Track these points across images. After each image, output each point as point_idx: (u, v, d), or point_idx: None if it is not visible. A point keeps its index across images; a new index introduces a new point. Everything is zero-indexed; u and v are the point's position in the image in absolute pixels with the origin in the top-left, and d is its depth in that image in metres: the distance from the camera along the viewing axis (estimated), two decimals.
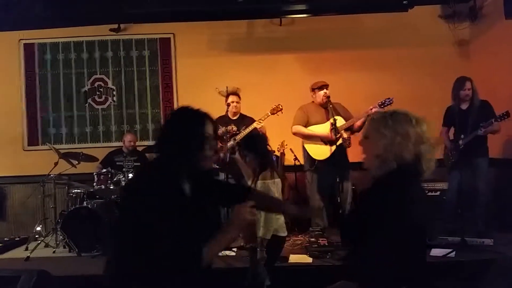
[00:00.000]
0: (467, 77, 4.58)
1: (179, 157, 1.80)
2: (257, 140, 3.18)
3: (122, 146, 5.68)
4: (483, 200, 4.52)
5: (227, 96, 5.20)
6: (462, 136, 4.49)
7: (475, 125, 4.41)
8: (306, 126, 4.69)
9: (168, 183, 1.79)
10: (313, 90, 4.80)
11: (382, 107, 4.45)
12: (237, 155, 3.20)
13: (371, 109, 4.45)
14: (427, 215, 1.97)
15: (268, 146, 3.20)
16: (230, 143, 4.88)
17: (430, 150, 1.89)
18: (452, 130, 4.81)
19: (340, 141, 4.44)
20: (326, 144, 4.55)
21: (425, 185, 5.48)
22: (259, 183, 3.01)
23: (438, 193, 5.37)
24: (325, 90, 4.69)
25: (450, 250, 3.93)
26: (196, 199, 1.86)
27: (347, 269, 1.84)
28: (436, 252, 3.98)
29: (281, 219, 3.11)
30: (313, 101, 4.82)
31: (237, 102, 5.12)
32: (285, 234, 3.16)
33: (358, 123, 4.61)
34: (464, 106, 4.60)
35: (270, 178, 3.04)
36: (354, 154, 4.84)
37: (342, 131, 4.50)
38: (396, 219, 1.78)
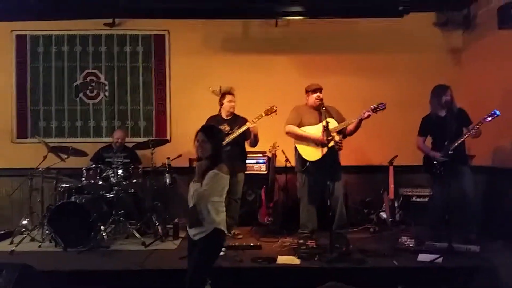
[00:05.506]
0: (447, 85, 4.62)
1: None
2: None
3: (112, 142, 5.63)
4: (472, 207, 4.54)
5: (222, 96, 5.17)
6: (446, 142, 4.41)
7: (457, 131, 4.42)
8: (298, 126, 4.68)
9: None
10: (307, 92, 4.80)
11: (375, 112, 4.44)
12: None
13: (364, 113, 4.45)
14: None
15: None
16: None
17: None
18: (428, 139, 4.79)
19: (332, 143, 4.44)
20: (317, 145, 4.55)
21: (414, 191, 5.56)
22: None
23: (426, 199, 5.42)
24: (318, 94, 4.69)
25: (437, 256, 3.96)
26: None
27: None
28: (423, 257, 4.01)
29: (223, 214, 3.06)
30: (306, 103, 4.82)
31: (234, 102, 5.11)
32: (226, 231, 3.10)
33: (351, 127, 4.60)
34: (442, 114, 4.60)
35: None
36: (346, 157, 4.89)
37: (334, 134, 4.49)
38: None
